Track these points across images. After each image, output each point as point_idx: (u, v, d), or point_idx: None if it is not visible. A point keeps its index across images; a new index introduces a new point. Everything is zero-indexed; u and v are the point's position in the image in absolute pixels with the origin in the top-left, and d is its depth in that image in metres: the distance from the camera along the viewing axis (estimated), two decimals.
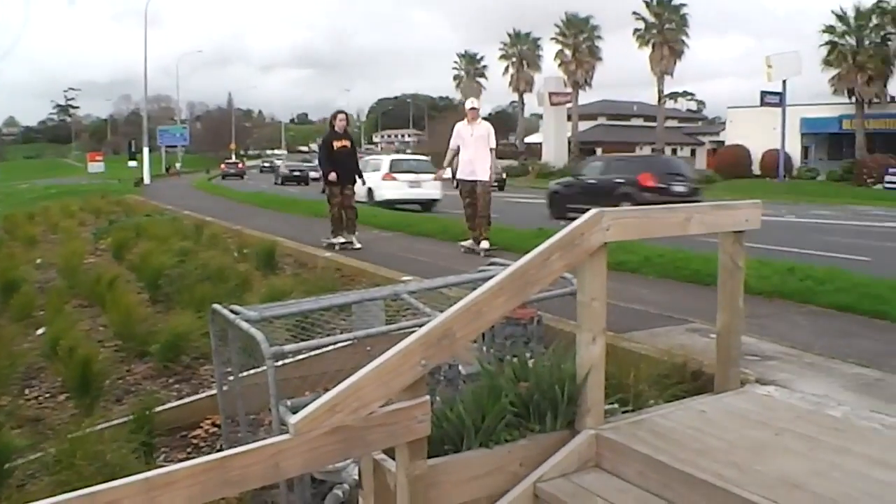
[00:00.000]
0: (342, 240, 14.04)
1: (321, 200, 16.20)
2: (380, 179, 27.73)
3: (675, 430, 4.50)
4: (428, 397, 3.81)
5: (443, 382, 5.03)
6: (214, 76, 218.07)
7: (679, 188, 21.09)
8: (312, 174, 48.54)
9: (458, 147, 13.13)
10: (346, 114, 14.76)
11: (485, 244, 12.88)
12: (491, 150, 12.98)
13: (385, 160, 29.94)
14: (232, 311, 5.28)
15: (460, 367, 5.19)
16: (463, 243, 13.47)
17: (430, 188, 27.33)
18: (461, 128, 13.19)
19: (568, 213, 20.92)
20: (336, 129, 14.23)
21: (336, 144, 14.03)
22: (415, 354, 3.67)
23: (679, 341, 6.53)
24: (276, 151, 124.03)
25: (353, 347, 5.62)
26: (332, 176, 13.80)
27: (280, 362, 5.13)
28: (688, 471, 3.90)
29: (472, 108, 13.22)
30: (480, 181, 12.89)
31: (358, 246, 13.91)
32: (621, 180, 22.06)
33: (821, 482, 3.76)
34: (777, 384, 5.46)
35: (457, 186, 13.51)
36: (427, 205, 27.77)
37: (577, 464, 4.32)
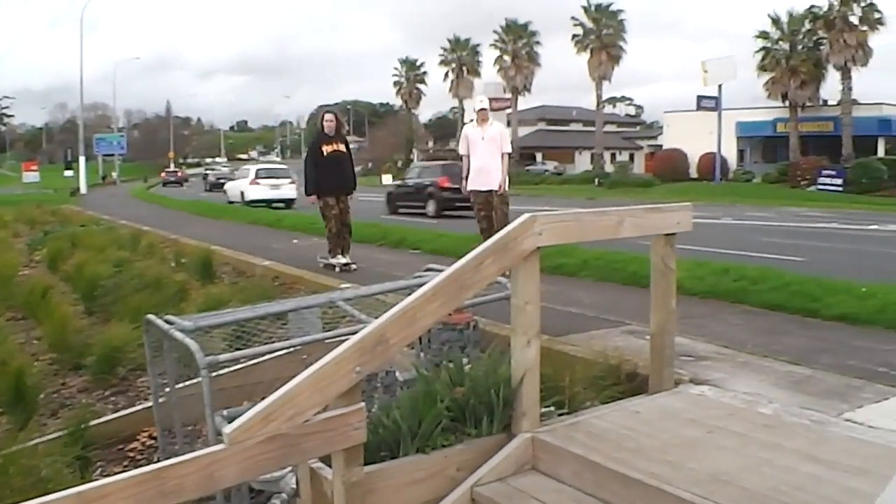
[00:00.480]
0: (343, 260, 11.99)
1: (257, 210, 15.88)
2: (248, 184, 36.17)
3: (610, 431, 4.56)
4: (363, 404, 3.81)
5: (380, 389, 5.02)
6: (152, 83, 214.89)
7: None
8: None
9: (468, 152, 11.69)
10: (334, 113, 12.42)
11: None
12: (504, 154, 11.59)
13: (252, 169, 38.64)
14: (166, 322, 5.23)
15: (397, 374, 5.19)
16: None
17: (287, 190, 35.73)
18: (470, 131, 11.70)
19: (398, 209, 28.87)
20: (325, 130, 11.97)
21: (326, 149, 11.79)
22: (349, 361, 3.67)
23: (615, 343, 6.61)
24: (216, 159, 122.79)
25: (291, 356, 5.60)
26: (313, 198, 12.03)
27: (217, 372, 5.09)
28: (622, 471, 3.96)
29: (482, 109, 11.61)
30: (496, 191, 11.50)
31: (355, 267, 11.96)
32: (428, 183, 28.23)
33: (751, 477, 3.84)
34: (710, 383, 5.56)
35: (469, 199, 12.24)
36: (287, 203, 34.48)
37: (514, 467, 4.36)
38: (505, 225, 10.51)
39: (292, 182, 35.70)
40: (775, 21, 52.69)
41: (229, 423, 3.52)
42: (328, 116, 12.12)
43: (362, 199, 39.20)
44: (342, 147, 11.94)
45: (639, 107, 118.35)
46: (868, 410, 5.01)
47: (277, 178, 36.78)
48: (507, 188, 11.62)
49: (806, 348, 6.64)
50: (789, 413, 4.93)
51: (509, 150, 11.62)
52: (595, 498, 4.02)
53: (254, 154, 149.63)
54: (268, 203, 33.08)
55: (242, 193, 35.78)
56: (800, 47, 52.25)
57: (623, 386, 5.57)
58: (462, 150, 11.82)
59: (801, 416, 4.87)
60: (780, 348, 6.59)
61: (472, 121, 11.92)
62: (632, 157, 75.30)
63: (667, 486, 3.75)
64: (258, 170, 38.08)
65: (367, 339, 3.75)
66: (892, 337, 7.04)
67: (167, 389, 5.55)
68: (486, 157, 11.43)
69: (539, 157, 75.44)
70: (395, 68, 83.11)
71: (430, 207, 27.24)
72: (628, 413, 4.90)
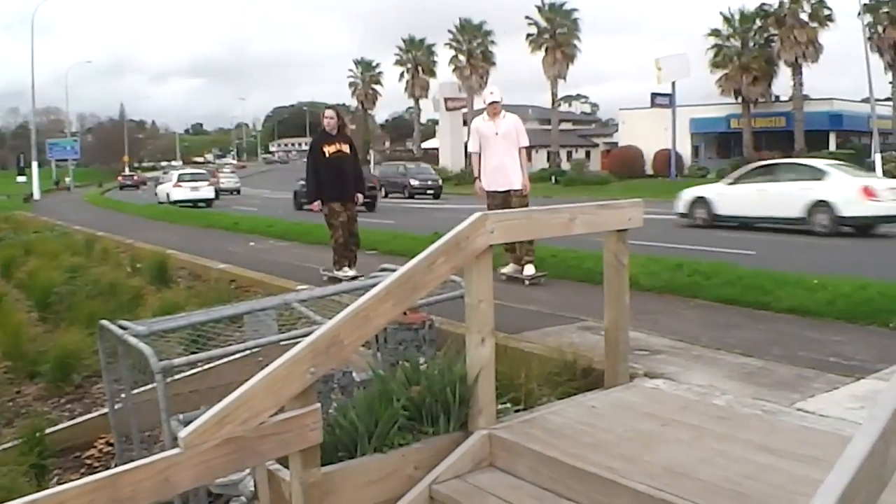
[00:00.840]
0: (351, 273, 10.57)
1: (218, 212, 15.72)
2: (172, 187, 41.82)
3: (567, 426, 4.60)
4: (319, 405, 3.82)
5: (337, 389, 5.03)
6: (106, 87, 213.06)
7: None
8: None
9: (480, 150, 10.41)
10: (336, 110, 11.10)
11: (529, 269, 10.15)
12: (522, 150, 10.32)
13: (175, 174, 45.61)
14: (120, 327, 5.21)
15: (354, 374, 5.20)
16: (504, 270, 10.36)
17: (205, 191, 42.04)
18: (481, 126, 10.37)
19: (302, 206, 30.52)
20: (326, 129, 10.65)
21: (328, 150, 10.48)
22: (303, 363, 3.68)
23: (570, 339, 6.67)
24: (172, 163, 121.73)
25: (248, 359, 5.59)
26: (316, 205, 10.66)
27: (172, 377, 5.08)
28: (578, 465, 4.00)
29: (494, 102, 10.25)
30: (515, 191, 10.14)
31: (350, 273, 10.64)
32: None
33: (706, 469, 3.89)
34: (665, 377, 5.63)
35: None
36: (207, 202, 40.68)
37: (472, 464, 4.38)
38: None
39: (210, 184, 43.70)
40: (727, 19, 53.24)
41: (185, 427, 3.53)
42: (329, 113, 10.85)
43: None
44: (346, 147, 10.61)
45: (594, 105, 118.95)
46: (819, 400, 5.09)
47: (196, 181, 43.21)
48: (527, 187, 10.30)
49: (758, 340, 6.73)
50: (742, 404, 5.00)
51: (527, 144, 10.38)
52: (552, 493, 4.05)
53: (210, 157, 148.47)
54: (193, 203, 39.24)
55: (168, 195, 41.33)
56: (751, 44, 52.85)
57: (579, 381, 5.63)
58: (472, 148, 10.57)
59: (754, 406, 4.95)
60: (733, 341, 6.68)
61: (482, 114, 10.54)
62: (588, 155, 75.65)
63: (622, 479, 3.79)
64: (180, 174, 44.84)
65: (321, 341, 3.76)
66: (843, 328, 7.16)
67: (123, 395, 5.52)
68: (502, 154, 10.15)
69: None
70: (351, 70, 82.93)
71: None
72: (584, 408, 4.94)
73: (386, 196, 42.13)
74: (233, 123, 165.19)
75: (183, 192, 41.03)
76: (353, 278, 10.06)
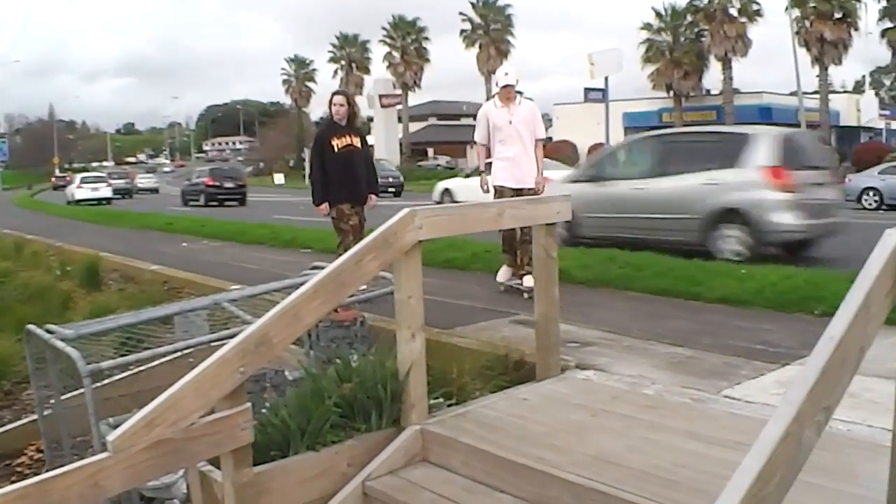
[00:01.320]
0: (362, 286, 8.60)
1: (147, 214, 15.43)
2: (76, 188, 48.34)
3: (499, 419, 4.64)
4: (249, 404, 3.81)
5: (269, 389, 5.02)
6: (35, 87, 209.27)
7: (230, 184, 38.80)
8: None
9: (488, 141, 8.89)
10: (346, 95, 8.99)
11: (529, 281, 7.98)
12: (539, 142, 8.86)
13: (78, 177, 52.53)
14: (48, 331, 5.14)
15: (287, 373, 5.19)
16: (499, 278, 9.17)
17: (104, 191, 48.07)
18: (493, 112, 8.79)
19: (188, 202, 39.02)
20: (335, 119, 8.76)
21: (337, 143, 8.60)
22: (232, 363, 3.66)
23: (503, 333, 6.71)
24: (103, 164, 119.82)
25: (180, 361, 5.54)
26: (324, 207, 8.61)
27: (102, 381, 5.03)
28: (510, 457, 4.04)
29: (507, 86, 8.65)
30: (529, 189, 8.62)
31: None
32: (200, 181, 39.80)
33: (635, 457, 3.96)
34: (596, 368, 5.70)
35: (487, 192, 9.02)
36: (107, 200, 46.34)
37: (404, 459, 4.40)
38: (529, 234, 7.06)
39: (108, 185, 50.09)
40: (659, 14, 53.85)
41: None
42: (338, 99, 8.78)
43: (253, 199, 38.89)
44: (357, 140, 8.76)
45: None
46: (746, 387, 5.19)
47: (96, 182, 50.22)
48: (542, 186, 8.86)
49: (689, 330, 6.83)
50: (671, 393, 5.08)
51: (544, 136, 9.02)
52: (485, 485, 4.09)
53: (142, 157, 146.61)
54: (97, 201, 45.11)
55: (73, 195, 47.32)
56: (682, 39, 53.48)
57: (511, 375, 5.67)
58: (479, 138, 9.02)
59: (683, 395, 5.03)
60: (663, 331, 6.78)
61: (493, 98, 9.01)
62: None
63: (554, 469, 3.83)
64: (83, 177, 52.09)
65: (250, 340, 3.74)
66: (770, 316, 7.29)
67: (53, 401, 5.45)
68: (516, 146, 8.66)
69: (431, 152, 75.57)
70: (284, 67, 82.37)
71: (201, 199, 38.07)
72: (516, 401, 4.99)
73: None
74: (165, 123, 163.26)
75: (84, 193, 47.20)
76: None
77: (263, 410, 4.48)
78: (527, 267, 8.34)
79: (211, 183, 38.30)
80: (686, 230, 11.25)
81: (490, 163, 8.91)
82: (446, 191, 25.78)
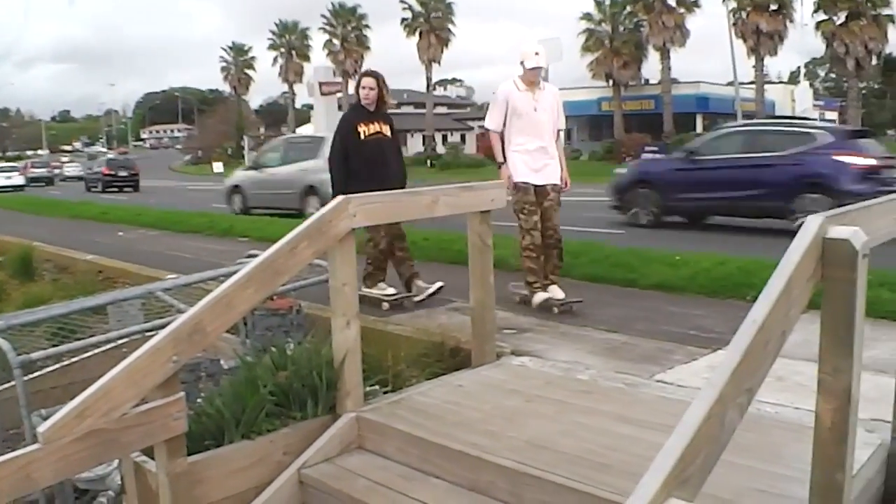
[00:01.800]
0: (391, 290, 7.87)
1: (86, 202, 15.22)
2: None
3: (434, 406, 4.67)
4: (183, 394, 3.79)
5: (204, 378, 4.99)
6: None
7: (123, 173, 45.68)
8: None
9: (505, 128, 7.51)
10: (377, 77, 7.89)
11: (558, 292, 7.42)
12: (560, 133, 7.79)
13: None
14: None
15: (222, 362, 5.17)
16: (517, 287, 7.72)
17: (16, 179, 52.81)
18: (516, 97, 7.41)
19: (90, 189, 45.83)
20: (362, 102, 7.78)
21: (364, 130, 7.65)
22: (165, 351, 3.64)
23: (439, 321, 6.75)
24: (38, 152, 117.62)
25: (113, 352, 5.49)
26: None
27: (35, 373, 4.97)
28: (444, 443, 4.07)
29: (536, 69, 7.38)
30: (553, 185, 7.52)
31: (432, 289, 7.79)
32: (99, 171, 46.99)
33: (568, 442, 4.01)
34: (531, 354, 5.76)
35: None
36: (17, 188, 49.88)
37: (340, 447, 4.41)
38: (558, 230, 7.44)
39: (20, 174, 55.17)
40: (599, 3, 54.23)
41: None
42: (368, 81, 7.76)
43: (192, 188, 38.49)
44: (386, 129, 7.78)
45: (469, 88, 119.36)
46: (678, 371, 5.29)
47: (8, 171, 55.07)
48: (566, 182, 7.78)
49: (623, 317, 6.93)
50: (605, 378, 5.16)
51: (564, 127, 7.91)
52: (420, 471, 4.11)
53: (78, 145, 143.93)
54: (13, 188, 48.83)
55: None
56: (622, 29, 54.02)
57: (447, 362, 5.71)
58: (494, 124, 7.61)
59: (616, 380, 5.11)
60: (599, 318, 6.87)
61: (513, 80, 7.55)
62: (463, 138, 76.02)
63: (487, 455, 3.87)
64: None
65: (183, 328, 3.72)
66: (703, 302, 7.42)
67: None
68: (542, 135, 7.48)
69: None
70: (222, 55, 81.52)
71: (99, 186, 44.93)
72: (451, 387, 5.02)
73: None
74: (102, 110, 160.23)
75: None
76: (396, 297, 7.76)
77: (199, 400, 4.47)
78: (552, 275, 7.50)
79: (107, 172, 45.94)
80: None
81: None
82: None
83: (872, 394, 4.10)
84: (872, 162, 13.34)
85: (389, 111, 7.98)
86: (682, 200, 14.90)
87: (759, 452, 3.66)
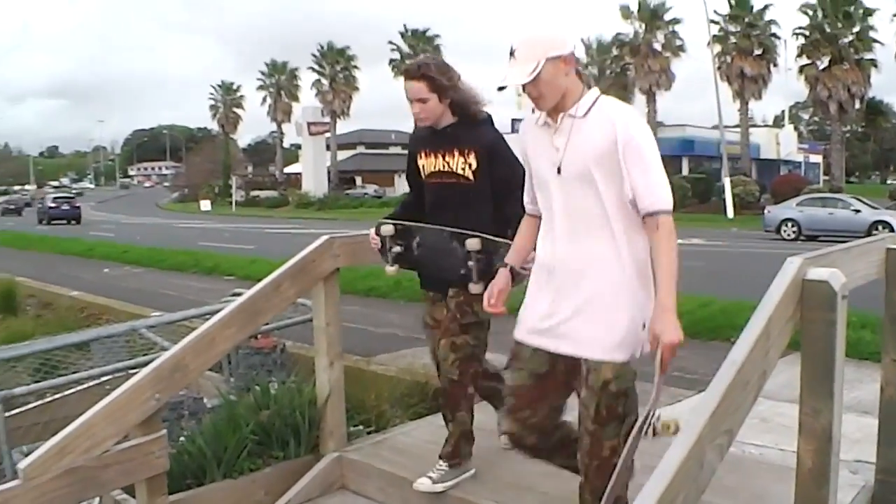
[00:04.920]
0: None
1: (67, 240, 15.15)
2: None
3: (416, 446, 4.64)
4: (164, 432, 3.76)
5: (187, 416, 4.97)
6: None
7: (66, 207, 52.95)
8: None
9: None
10: (431, 65, 4.14)
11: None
12: None
13: None
14: None
15: (205, 400, 5.15)
16: None
17: None
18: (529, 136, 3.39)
19: (40, 221, 51.55)
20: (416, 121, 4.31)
21: (425, 165, 4.32)
22: (146, 389, 3.62)
23: (424, 361, 6.70)
24: (25, 187, 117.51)
25: (96, 388, 5.46)
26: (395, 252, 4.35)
27: (17, 409, 4.94)
28: None
29: None
30: None
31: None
32: (46, 205, 54.42)
33: (550, 482, 3.97)
34: None
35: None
36: None
37: (322, 488, 4.38)
38: None
39: None
40: (587, 47, 54.71)
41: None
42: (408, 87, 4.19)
43: (178, 225, 38.50)
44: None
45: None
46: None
47: None
48: None
49: None
50: None
51: None
52: None
53: (65, 181, 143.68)
54: None
55: None
56: (608, 72, 54.38)
57: (430, 402, 5.69)
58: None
59: None
60: None
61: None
62: None
63: (470, 496, 3.86)
64: None
65: (164, 366, 3.71)
66: (687, 343, 7.42)
67: None
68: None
69: (359, 180, 75.37)
70: (211, 93, 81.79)
71: (46, 219, 51.26)
72: (434, 427, 4.98)
73: None
74: (90, 146, 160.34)
75: None
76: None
77: (181, 438, 4.44)
78: None
79: (52, 205, 53.65)
80: None
81: None
82: None
83: (856, 435, 4.12)
84: None
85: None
86: None
87: (743, 494, 3.67)
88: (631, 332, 3.09)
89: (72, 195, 65.29)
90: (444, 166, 4.17)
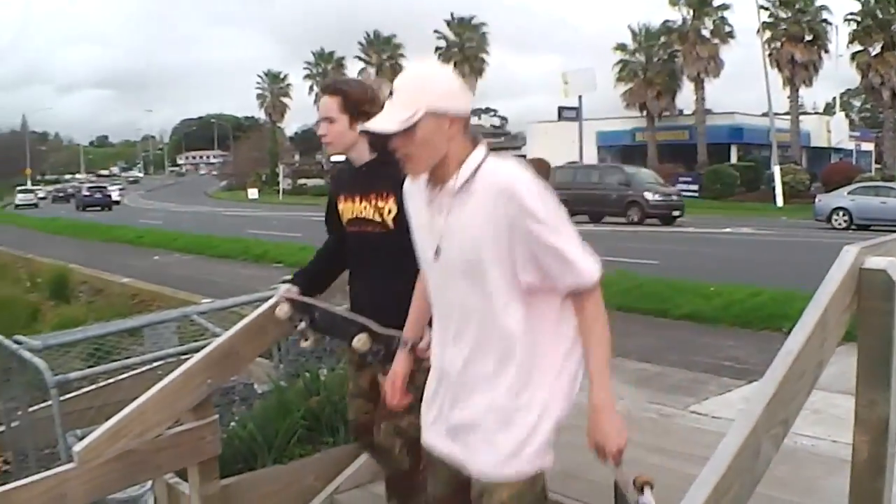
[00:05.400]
0: None
1: (118, 227, 15.32)
2: None
3: None
4: (216, 416, 3.80)
5: (238, 401, 5.01)
6: (10, 98, 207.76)
7: (99, 195, 61.27)
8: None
9: None
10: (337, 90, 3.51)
11: None
12: None
13: None
14: (15, 342, 5.11)
15: (256, 386, 5.19)
16: None
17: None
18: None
19: (77, 208, 57.03)
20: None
21: (343, 211, 3.62)
22: (198, 375, 3.65)
23: None
24: (76, 176, 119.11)
25: (148, 373, 5.52)
26: None
27: (71, 393, 5.01)
28: None
29: None
30: None
31: None
32: (82, 194, 62.13)
33: (598, 471, 3.95)
34: None
35: None
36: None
37: (371, 474, 4.36)
38: None
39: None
40: (635, 34, 54.24)
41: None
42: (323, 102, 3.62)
43: (226, 213, 38.81)
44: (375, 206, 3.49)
45: (503, 118, 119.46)
46: (712, 402, 5.26)
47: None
48: None
49: (656, 347, 6.91)
50: (638, 408, 5.13)
51: None
52: None
53: (115, 170, 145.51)
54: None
55: None
56: (656, 59, 53.87)
57: None
58: None
59: (650, 410, 5.08)
60: (631, 347, 6.83)
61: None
62: None
63: None
64: None
65: (216, 352, 3.74)
66: (736, 333, 7.39)
67: (20, 413, 5.42)
68: None
69: None
70: (258, 82, 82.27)
71: (81, 206, 56.63)
72: None
73: None
74: (139, 136, 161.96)
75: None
76: None
77: (232, 424, 4.49)
78: None
79: (86, 194, 61.00)
80: None
81: None
82: None
83: None
84: None
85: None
86: None
87: (795, 486, 3.63)
88: (533, 442, 2.59)
89: (104, 185, 73.44)
90: (360, 212, 3.51)
